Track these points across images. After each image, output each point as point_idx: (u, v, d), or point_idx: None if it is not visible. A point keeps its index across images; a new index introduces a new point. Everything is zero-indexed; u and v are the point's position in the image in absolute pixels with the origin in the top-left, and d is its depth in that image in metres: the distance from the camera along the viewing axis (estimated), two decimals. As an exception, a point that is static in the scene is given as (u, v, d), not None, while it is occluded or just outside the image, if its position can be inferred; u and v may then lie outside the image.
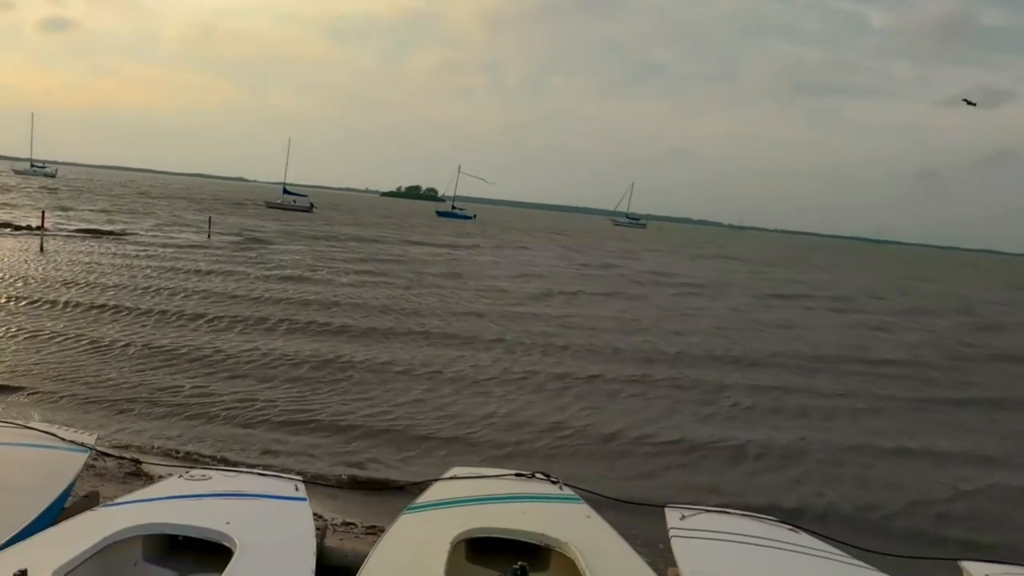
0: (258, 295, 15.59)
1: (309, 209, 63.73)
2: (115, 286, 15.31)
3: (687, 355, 12.86)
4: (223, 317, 12.83)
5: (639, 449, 7.76)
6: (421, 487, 4.06)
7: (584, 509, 3.79)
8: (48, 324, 11.51)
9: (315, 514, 3.62)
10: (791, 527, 3.84)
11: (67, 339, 10.52)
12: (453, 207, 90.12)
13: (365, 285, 18.84)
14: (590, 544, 3.25)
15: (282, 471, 4.47)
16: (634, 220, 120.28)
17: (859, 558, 3.53)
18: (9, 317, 11.78)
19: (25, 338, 10.46)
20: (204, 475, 3.89)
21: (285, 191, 68.98)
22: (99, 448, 4.96)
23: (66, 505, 3.76)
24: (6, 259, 18.60)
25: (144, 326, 11.84)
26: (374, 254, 28.89)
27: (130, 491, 4.06)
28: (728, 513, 3.92)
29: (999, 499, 7.13)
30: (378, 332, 12.69)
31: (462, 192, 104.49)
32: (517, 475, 4.17)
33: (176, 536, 3.27)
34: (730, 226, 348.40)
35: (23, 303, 12.93)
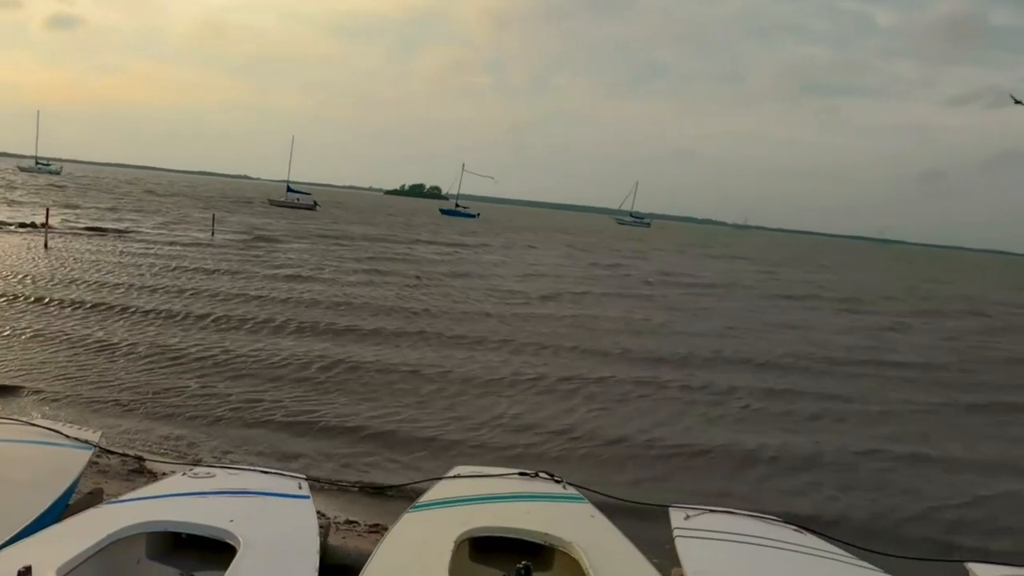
0: (263, 294, 15.56)
1: (313, 207, 63.81)
2: (120, 284, 15.30)
3: (697, 356, 12.76)
4: (228, 316, 12.81)
5: (648, 452, 7.69)
6: (424, 486, 4.06)
7: (588, 509, 3.78)
8: (51, 322, 11.52)
9: (318, 512, 3.62)
10: (796, 528, 3.82)
11: (70, 338, 10.51)
12: (457, 205, 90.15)
13: (372, 284, 18.80)
14: (594, 544, 3.25)
15: (285, 469, 4.46)
16: (638, 219, 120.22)
17: (865, 559, 3.52)
18: (12, 315, 11.78)
19: (28, 337, 10.44)
20: (208, 473, 3.90)
21: (289, 189, 69.09)
22: (103, 446, 4.96)
23: (70, 502, 3.77)
24: (10, 256, 18.61)
25: (149, 325, 11.83)
26: (380, 253, 28.85)
27: (134, 489, 4.07)
28: (732, 513, 3.91)
29: (1014, 506, 7.01)
30: (386, 332, 12.63)
31: (466, 190, 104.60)
32: (521, 474, 4.16)
33: (180, 534, 3.27)
34: (734, 225, 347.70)
35: (26, 301, 12.93)
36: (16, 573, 2.46)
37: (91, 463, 4.45)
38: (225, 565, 2.86)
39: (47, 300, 13.03)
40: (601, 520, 3.64)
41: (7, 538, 2.96)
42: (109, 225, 30.21)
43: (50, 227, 23.92)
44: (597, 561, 3.07)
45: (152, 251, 22.48)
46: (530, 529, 3.40)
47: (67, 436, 4.24)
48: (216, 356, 10.04)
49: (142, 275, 17.06)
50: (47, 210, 26.37)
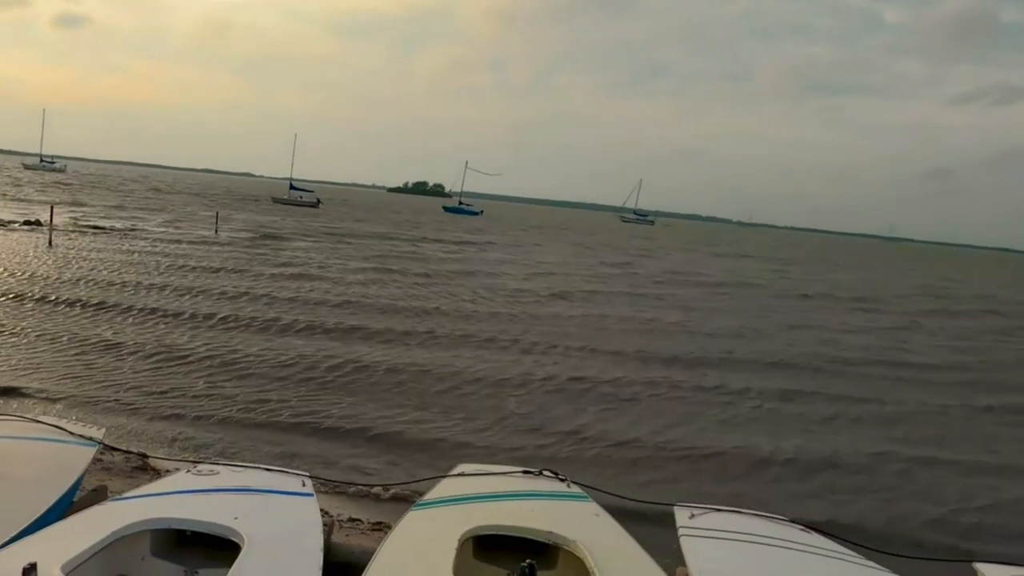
0: (270, 293, 15.53)
1: (316, 204, 63.90)
2: (125, 282, 15.29)
3: (709, 356, 12.67)
4: (235, 315, 12.78)
5: (660, 454, 7.62)
6: (428, 484, 4.05)
7: (592, 507, 3.77)
8: (56, 321, 11.54)
9: (321, 510, 3.62)
10: (802, 527, 3.81)
11: (75, 336, 10.52)
12: (460, 203, 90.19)
13: (379, 283, 18.77)
14: (599, 542, 3.24)
15: (290, 467, 4.46)
16: (642, 216, 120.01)
17: (871, 559, 3.50)
18: (17, 313, 11.80)
19: (33, 335, 10.44)
20: (212, 470, 3.90)
21: (292, 187, 69.18)
22: (107, 443, 4.96)
23: (74, 499, 3.77)
24: (15, 254, 18.63)
25: (155, 323, 11.83)
26: (387, 251, 28.82)
27: (137, 486, 4.07)
28: (738, 512, 3.89)
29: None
30: (394, 331, 12.56)
31: (468, 188, 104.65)
32: (524, 472, 4.15)
33: (184, 531, 3.27)
34: (739, 223, 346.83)
35: (30, 299, 12.94)
36: (21, 570, 2.46)
37: (95, 460, 4.45)
38: (229, 562, 2.86)
39: (51, 298, 13.04)
40: (606, 518, 3.63)
41: (12, 535, 2.97)
42: (115, 223, 30.28)
43: (54, 225, 23.95)
44: (602, 560, 3.06)
45: (158, 249, 22.49)
46: (534, 527, 3.39)
47: (71, 433, 4.24)
48: (223, 355, 10.00)
49: (148, 273, 17.08)
50: (51, 208, 26.42)
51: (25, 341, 10.08)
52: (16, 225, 25.96)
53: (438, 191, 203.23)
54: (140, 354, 9.79)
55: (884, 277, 41.48)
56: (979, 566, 3.50)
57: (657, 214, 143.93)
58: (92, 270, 16.78)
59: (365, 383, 9.31)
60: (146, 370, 9.14)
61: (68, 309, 12.35)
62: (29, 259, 17.91)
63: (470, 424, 8.07)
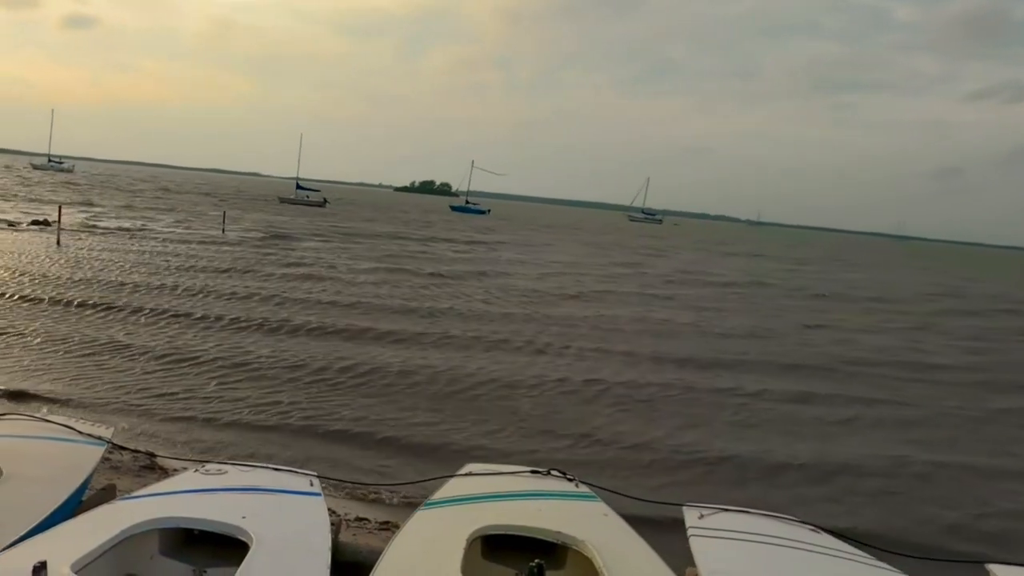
0: (280, 294, 15.50)
1: (323, 204, 64.09)
2: (134, 284, 15.29)
3: (723, 358, 12.54)
4: (244, 316, 12.76)
5: (675, 457, 7.54)
6: (436, 484, 4.04)
7: (601, 507, 3.76)
8: (66, 321, 11.57)
9: (329, 509, 3.62)
10: (812, 527, 3.78)
11: (85, 337, 10.55)
12: (467, 202, 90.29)
13: (391, 283, 18.71)
14: (607, 542, 3.23)
15: (297, 467, 4.47)
16: (650, 215, 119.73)
17: (882, 559, 3.47)
18: (25, 314, 11.84)
19: (42, 336, 10.47)
20: (220, 469, 3.90)
21: (298, 186, 69.40)
22: (115, 442, 4.97)
23: (83, 498, 3.78)
24: (23, 254, 18.69)
25: (166, 324, 11.83)
26: (397, 250, 28.79)
27: (145, 485, 4.08)
28: (747, 512, 3.87)
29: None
30: (405, 333, 12.49)
31: (475, 187, 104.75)
32: (533, 472, 4.15)
33: (192, 530, 3.28)
34: (748, 222, 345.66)
35: (39, 299, 12.97)
36: (32, 568, 2.47)
37: (103, 459, 4.47)
38: (237, 561, 2.86)
39: (60, 299, 13.06)
40: (614, 518, 3.61)
41: (22, 533, 2.99)
42: (125, 223, 30.40)
43: (63, 225, 24.07)
44: (610, 560, 3.05)
45: (168, 249, 22.51)
46: (543, 527, 3.38)
47: (80, 432, 4.26)
48: (234, 356, 9.98)
49: (157, 273, 17.10)
50: (59, 208, 26.55)
51: (36, 342, 10.09)
52: (24, 225, 26.08)
53: (445, 190, 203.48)
54: (150, 355, 9.77)
55: (898, 276, 41.24)
56: (992, 567, 3.47)
57: (665, 213, 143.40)
58: (103, 270, 16.84)
59: (378, 384, 9.26)
60: (157, 371, 9.13)
61: (78, 310, 12.36)
62: (40, 259, 17.96)
63: (483, 426, 8.00)
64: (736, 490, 6.69)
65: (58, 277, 15.30)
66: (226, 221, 32.06)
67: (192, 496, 3.50)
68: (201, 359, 9.77)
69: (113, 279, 15.60)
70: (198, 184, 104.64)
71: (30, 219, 27.61)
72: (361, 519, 5.34)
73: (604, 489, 4.22)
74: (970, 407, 10.61)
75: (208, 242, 25.72)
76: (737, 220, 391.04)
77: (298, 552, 3.00)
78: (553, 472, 4.15)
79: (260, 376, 9.24)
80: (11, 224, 25.92)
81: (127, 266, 17.85)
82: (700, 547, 3.34)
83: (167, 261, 19.43)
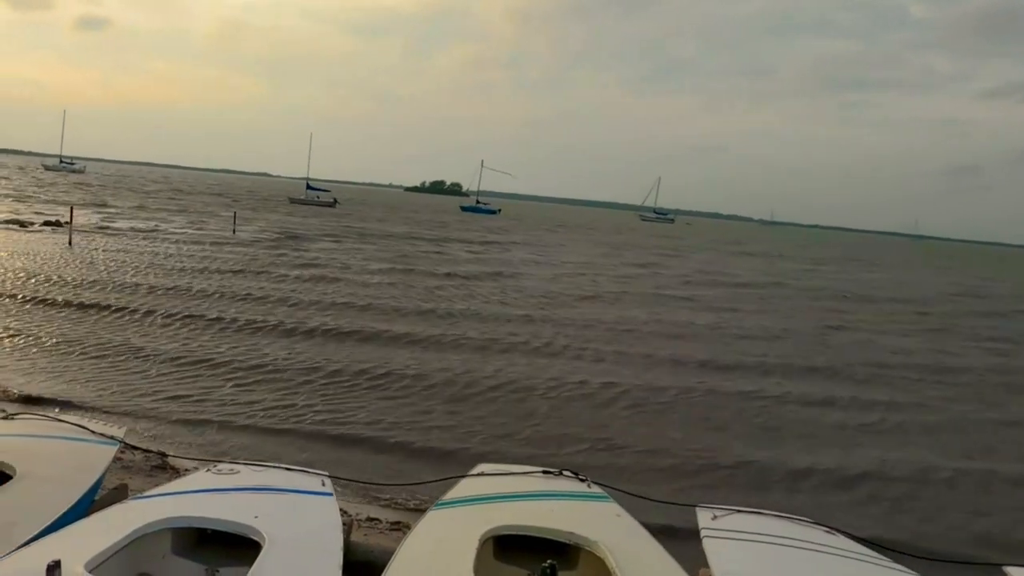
0: (294, 296, 15.47)
1: (332, 204, 64.29)
2: (147, 285, 15.33)
3: (743, 361, 12.38)
4: (259, 318, 12.74)
5: (694, 462, 7.43)
6: (448, 484, 4.04)
7: (614, 508, 3.74)
8: (80, 323, 11.63)
9: (341, 509, 3.62)
10: (826, 528, 3.75)
11: (99, 339, 10.59)
12: (478, 202, 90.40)
13: (405, 285, 18.66)
14: (620, 543, 3.21)
15: (308, 467, 4.47)
16: (662, 215, 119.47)
17: (897, 561, 3.44)
18: (38, 315, 11.90)
19: (57, 337, 10.52)
20: (232, 469, 3.91)
21: (308, 187, 69.65)
22: (127, 442, 5.00)
23: (96, 497, 3.80)
24: (37, 255, 18.78)
25: (179, 326, 11.83)
26: (411, 251, 28.77)
27: (157, 484, 4.09)
28: (761, 513, 3.84)
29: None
30: (421, 335, 12.42)
31: (484, 187, 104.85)
32: (545, 472, 4.14)
33: (205, 529, 3.28)
34: (761, 221, 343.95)
35: (52, 301, 13.02)
36: (46, 567, 2.49)
37: (115, 459, 4.48)
38: (250, 561, 2.87)
39: (72, 301, 13.08)
40: (627, 519, 3.60)
41: (35, 532, 3.00)
42: (138, 224, 30.58)
43: (76, 226, 24.22)
44: (623, 560, 3.04)
45: (183, 251, 22.53)
46: (555, 528, 3.37)
47: (92, 432, 4.28)
48: (248, 359, 9.95)
49: (170, 274, 17.15)
50: (71, 208, 26.74)
51: (50, 344, 10.11)
52: (36, 225, 26.28)
53: (455, 190, 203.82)
54: (164, 357, 9.76)
55: (918, 276, 40.90)
56: (1010, 569, 3.43)
57: (677, 212, 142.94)
58: (116, 271, 16.89)
59: (393, 387, 9.22)
60: (171, 373, 9.13)
61: (91, 312, 12.39)
62: (54, 259, 18.04)
63: (499, 429, 7.94)
64: (756, 495, 6.56)
65: (72, 279, 15.33)
66: (238, 222, 32.19)
67: (204, 496, 3.51)
68: (215, 361, 9.77)
69: (127, 280, 15.63)
70: (210, 185, 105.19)
71: (43, 219, 27.84)
72: (373, 519, 5.35)
73: (616, 489, 4.20)
74: (995, 411, 10.46)
75: (221, 243, 25.80)
76: (750, 219, 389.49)
77: (310, 552, 3.00)
78: (565, 472, 4.14)
79: (275, 378, 9.23)
80: (23, 224, 26.11)
81: (141, 267, 17.91)
82: (713, 548, 3.32)
83: (181, 263, 19.48)
